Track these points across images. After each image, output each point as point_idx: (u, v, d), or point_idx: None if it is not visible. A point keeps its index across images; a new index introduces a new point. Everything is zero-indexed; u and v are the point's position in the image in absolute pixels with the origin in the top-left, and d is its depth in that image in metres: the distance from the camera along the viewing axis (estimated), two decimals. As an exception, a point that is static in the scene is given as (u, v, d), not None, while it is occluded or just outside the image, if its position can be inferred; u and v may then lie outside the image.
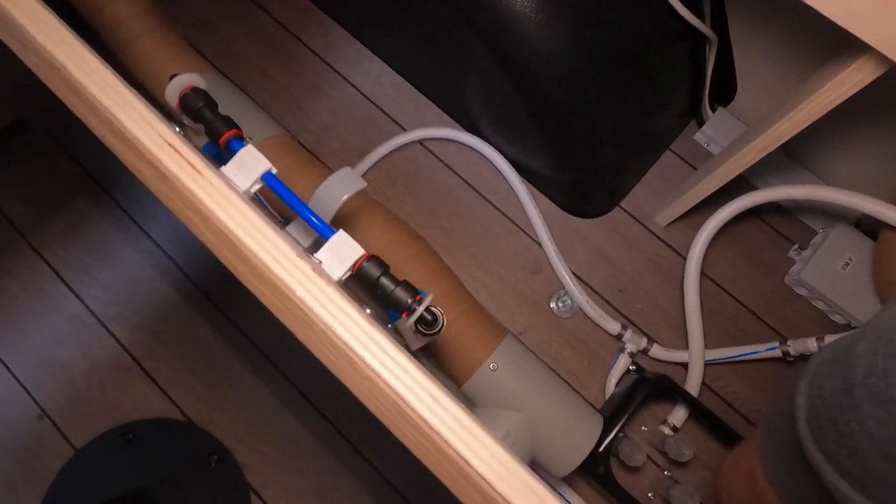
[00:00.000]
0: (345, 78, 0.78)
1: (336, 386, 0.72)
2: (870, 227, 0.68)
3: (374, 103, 0.77)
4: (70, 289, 0.70)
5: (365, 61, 0.79)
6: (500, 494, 0.20)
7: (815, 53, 0.58)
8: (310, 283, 0.23)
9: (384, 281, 0.33)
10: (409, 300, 0.32)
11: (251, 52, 0.79)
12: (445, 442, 0.20)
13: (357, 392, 0.20)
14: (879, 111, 0.60)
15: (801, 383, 0.27)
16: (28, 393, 0.66)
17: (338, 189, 0.37)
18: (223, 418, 0.65)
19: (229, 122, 0.35)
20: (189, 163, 0.25)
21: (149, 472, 0.63)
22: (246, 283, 0.22)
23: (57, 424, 0.65)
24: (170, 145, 0.25)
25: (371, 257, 0.33)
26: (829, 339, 0.59)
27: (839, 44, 0.47)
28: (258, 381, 0.67)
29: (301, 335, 0.21)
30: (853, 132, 0.65)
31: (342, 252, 0.32)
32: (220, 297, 0.70)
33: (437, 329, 0.33)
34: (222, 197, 0.24)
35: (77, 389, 0.66)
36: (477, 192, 0.74)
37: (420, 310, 0.32)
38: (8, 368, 0.67)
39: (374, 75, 0.78)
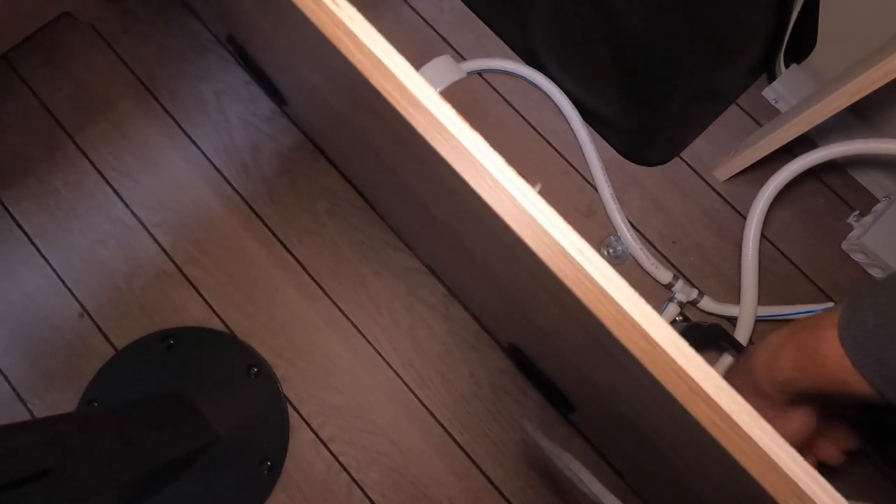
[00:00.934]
0: (405, 0, 0.75)
1: (379, 311, 0.71)
2: (937, 197, 0.66)
3: (434, 29, 0.74)
4: (115, 191, 0.69)
5: (427, -15, 0.75)
6: (662, 349, 0.19)
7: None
8: (455, 126, 0.22)
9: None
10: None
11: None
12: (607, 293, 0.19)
13: (519, 230, 0.19)
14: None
15: None
16: (69, 290, 0.65)
17: (437, 77, 0.36)
18: (264, 332, 0.65)
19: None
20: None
21: (187, 378, 0.63)
22: (400, 110, 0.20)
23: (98, 323, 0.65)
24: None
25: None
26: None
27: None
28: (302, 299, 0.66)
29: (458, 167, 0.20)
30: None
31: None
32: (266, 213, 0.68)
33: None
34: (361, 29, 0.23)
35: (119, 291, 0.66)
36: (534, 129, 0.71)
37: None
38: (50, 264, 0.66)
39: (435, 0, 0.75)
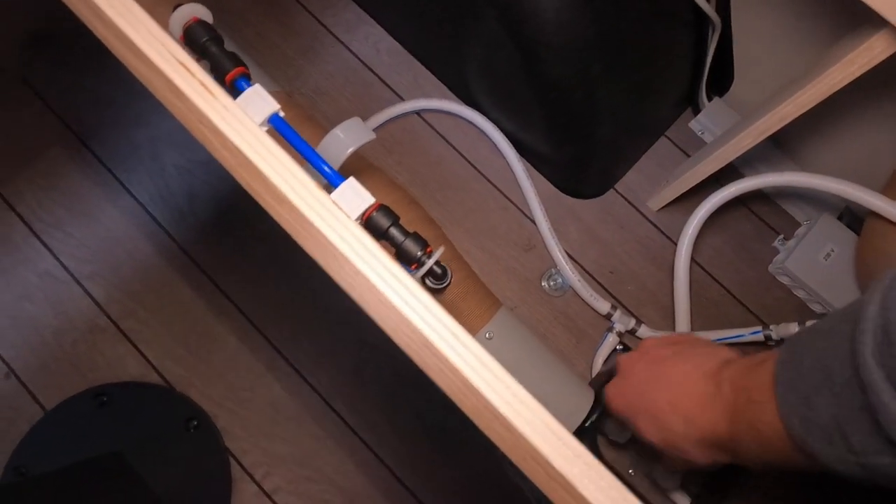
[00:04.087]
0: (342, 42, 0.76)
1: (322, 355, 0.70)
2: (852, 220, 0.70)
3: (371, 70, 0.75)
4: (43, 243, 0.66)
5: (363, 26, 0.77)
6: (521, 434, 0.20)
7: (817, 45, 0.59)
8: (331, 216, 0.22)
9: (394, 231, 0.32)
10: (420, 252, 0.31)
11: (245, 8, 0.76)
12: (469, 380, 0.20)
13: (382, 324, 0.20)
14: (868, 103, 0.62)
15: (876, 295, 0.26)
16: (-6, 350, 0.63)
17: (345, 139, 0.36)
18: (204, 383, 0.63)
19: (236, 59, 0.33)
20: (202, 83, 0.24)
21: (123, 436, 0.61)
22: (265, 206, 0.21)
23: (25, 383, 0.62)
24: (181, 64, 0.24)
25: (381, 206, 0.32)
26: (810, 323, 0.61)
27: (845, 29, 0.48)
28: (242, 346, 0.65)
29: (324, 263, 0.20)
30: (842, 125, 0.67)
31: (351, 200, 0.31)
32: (204, 260, 0.67)
33: (445, 283, 0.32)
34: (237, 120, 0.23)
35: (48, 348, 0.63)
36: (472, 166, 0.73)
37: (430, 262, 0.31)
38: (-27, 324, 0.63)
39: (372, 41, 0.76)
